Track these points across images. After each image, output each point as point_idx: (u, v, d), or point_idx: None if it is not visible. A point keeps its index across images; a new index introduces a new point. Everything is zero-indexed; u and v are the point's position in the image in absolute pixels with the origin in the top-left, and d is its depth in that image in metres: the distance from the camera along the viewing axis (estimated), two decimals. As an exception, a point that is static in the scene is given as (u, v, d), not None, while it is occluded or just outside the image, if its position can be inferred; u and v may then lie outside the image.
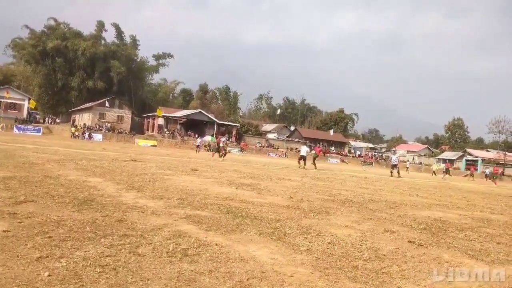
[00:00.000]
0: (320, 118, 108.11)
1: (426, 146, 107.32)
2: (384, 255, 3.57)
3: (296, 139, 77.21)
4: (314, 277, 2.77)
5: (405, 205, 7.78)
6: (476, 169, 57.84)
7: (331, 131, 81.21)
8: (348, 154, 77.24)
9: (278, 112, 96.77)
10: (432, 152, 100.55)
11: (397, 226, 5.21)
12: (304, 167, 21.66)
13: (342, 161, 66.66)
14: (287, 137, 78.48)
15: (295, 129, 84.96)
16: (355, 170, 34.43)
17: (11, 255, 2.60)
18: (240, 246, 3.38)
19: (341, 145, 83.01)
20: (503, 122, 71.32)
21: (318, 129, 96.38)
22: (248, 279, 2.58)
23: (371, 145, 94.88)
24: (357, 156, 77.66)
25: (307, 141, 76.67)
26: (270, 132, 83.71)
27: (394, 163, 25.43)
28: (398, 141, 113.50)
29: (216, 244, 3.34)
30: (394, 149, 26.11)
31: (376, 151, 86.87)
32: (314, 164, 22.95)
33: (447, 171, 34.60)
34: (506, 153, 72.23)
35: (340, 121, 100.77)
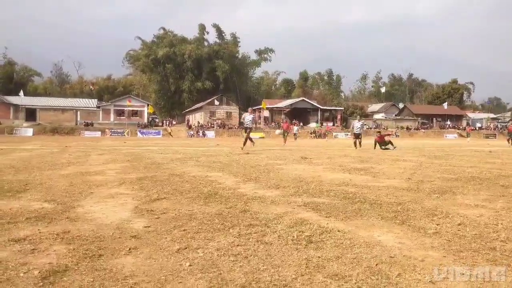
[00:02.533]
0: (431, 92, 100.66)
1: None
2: (526, 235, 3.25)
3: (407, 117, 73.11)
4: (448, 260, 2.64)
5: (544, 179, 6.93)
6: None
7: (445, 104, 75.01)
8: (466, 127, 70.90)
9: (383, 90, 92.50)
10: None
11: (537, 202, 4.68)
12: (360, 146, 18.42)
13: (461, 135, 61.45)
14: (396, 115, 74.66)
15: (404, 107, 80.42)
16: (477, 144, 31.50)
17: (155, 248, 2.91)
18: (363, 232, 3.35)
19: (458, 118, 76.49)
20: None
21: (429, 103, 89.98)
22: (377, 264, 2.55)
23: (492, 115, 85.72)
24: (477, 128, 70.82)
25: (419, 117, 72.11)
26: (377, 112, 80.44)
27: (357, 132, 19.24)
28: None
29: (339, 230, 3.35)
30: (357, 115, 20.23)
31: (499, 121, 78.16)
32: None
33: None
34: None
35: (454, 93, 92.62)
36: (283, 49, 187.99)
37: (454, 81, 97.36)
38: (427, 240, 3.11)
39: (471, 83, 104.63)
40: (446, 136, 59.59)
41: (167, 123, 62.61)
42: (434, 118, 75.13)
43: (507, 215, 3.97)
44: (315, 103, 65.37)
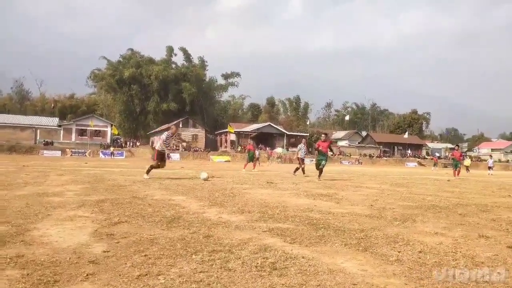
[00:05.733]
0: (392, 121, 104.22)
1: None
2: (482, 263, 3.35)
3: (369, 145, 75.04)
4: (409, 288, 2.67)
5: (497, 208, 7.23)
6: None
7: (406, 134, 77.74)
8: (426, 156, 73.48)
9: (347, 118, 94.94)
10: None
11: (492, 231, 4.85)
12: (303, 173, 16.59)
13: (420, 164, 63.56)
14: (359, 143, 76.52)
15: (367, 135, 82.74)
16: (436, 173, 32.68)
17: (114, 274, 2.79)
18: (327, 258, 3.35)
19: (417, 147, 79.23)
20: None
21: (391, 132, 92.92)
22: (340, 291, 2.55)
23: (450, 145, 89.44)
24: (434, 158, 73.46)
25: (381, 146, 74.22)
26: (341, 139, 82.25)
27: (301, 156, 17.54)
28: (480, 139, 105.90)
29: (303, 257, 3.34)
30: (303, 141, 19.20)
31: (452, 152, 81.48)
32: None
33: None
34: None
35: (414, 123, 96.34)
36: (250, 74, 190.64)
37: (414, 112, 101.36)
38: (389, 267, 3.15)
39: (428, 113, 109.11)
40: (407, 165, 61.44)
41: (131, 144, 61.51)
42: (396, 147, 77.52)
43: (465, 243, 4.09)
44: (281, 128, 66.18)
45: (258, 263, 3.12)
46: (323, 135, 16.32)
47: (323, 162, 14.50)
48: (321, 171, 14.40)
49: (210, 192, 8.41)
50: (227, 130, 58.81)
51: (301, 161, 17.36)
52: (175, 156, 51.82)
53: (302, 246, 3.76)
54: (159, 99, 72.94)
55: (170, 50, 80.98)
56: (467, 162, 36.89)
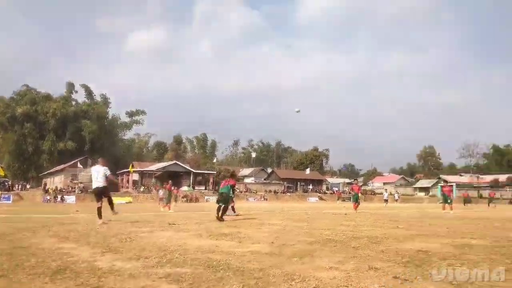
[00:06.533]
0: (296, 158, 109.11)
1: (402, 176, 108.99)
2: (371, 295, 3.51)
3: (274, 181, 77.13)
4: (302, 328, 2.67)
5: (387, 239, 7.76)
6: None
7: (307, 170, 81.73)
8: (326, 191, 77.50)
9: (253, 156, 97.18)
10: (408, 181, 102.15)
11: (381, 262, 5.16)
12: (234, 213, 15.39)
13: (321, 198, 66.72)
14: (264, 179, 78.34)
15: (272, 171, 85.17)
16: (335, 206, 34.48)
17: None
18: (223, 303, 3.25)
19: (318, 183, 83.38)
20: (472, 146, 73.70)
21: (295, 169, 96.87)
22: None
23: (347, 180, 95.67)
24: (335, 192, 77.87)
25: (285, 182, 76.76)
26: (247, 176, 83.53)
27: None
28: (374, 173, 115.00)
29: (198, 303, 3.20)
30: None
31: (352, 186, 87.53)
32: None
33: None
34: (479, 176, 74.08)
35: (315, 160, 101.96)
36: (156, 111, 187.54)
37: (315, 149, 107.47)
38: (284, 307, 3.14)
39: (327, 149, 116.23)
40: (308, 199, 64.02)
41: (19, 187, 55.99)
42: (298, 182, 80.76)
43: (356, 276, 4.27)
44: (187, 167, 65.31)
45: (148, 315, 2.91)
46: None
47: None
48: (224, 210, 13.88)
49: (104, 237, 7.85)
50: (129, 169, 56.36)
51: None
52: (70, 198, 48.13)
53: (198, 291, 3.62)
54: (56, 138, 68.08)
55: (70, 86, 76.84)
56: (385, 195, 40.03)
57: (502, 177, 75.52)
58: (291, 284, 3.89)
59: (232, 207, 16.15)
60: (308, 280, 4.06)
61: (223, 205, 13.22)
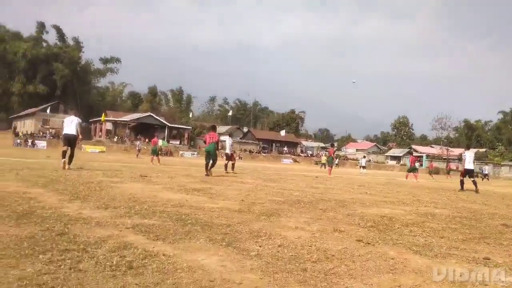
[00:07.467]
0: (272, 119, 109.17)
1: (375, 144, 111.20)
2: (333, 256, 3.62)
3: (250, 141, 77.42)
4: (263, 282, 2.75)
5: (354, 203, 7.97)
6: (421, 165, 60.58)
7: (283, 132, 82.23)
8: (300, 154, 78.53)
9: (230, 114, 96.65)
10: (380, 149, 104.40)
11: (345, 225, 5.31)
12: (231, 171, 16.87)
13: (295, 161, 67.63)
14: (240, 138, 78.48)
15: (248, 131, 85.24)
16: (308, 169, 35.10)
17: None
18: (189, 255, 3.30)
19: (293, 145, 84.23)
20: (445, 119, 75.28)
21: (271, 130, 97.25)
22: (195, 289, 2.52)
23: (322, 144, 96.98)
24: (309, 155, 78.96)
25: (261, 142, 77.17)
26: (223, 134, 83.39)
27: (229, 152, 17.73)
28: (348, 139, 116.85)
29: (164, 254, 3.24)
30: (228, 136, 19.09)
31: (327, 150, 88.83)
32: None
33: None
34: (449, 148, 76.27)
35: (291, 122, 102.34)
36: (133, 59, 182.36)
37: (292, 111, 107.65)
38: (248, 262, 3.22)
39: (303, 111, 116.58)
40: (283, 161, 64.88)
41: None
42: (274, 143, 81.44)
43: (321, 237, 4.39)
44: (163, 120, 64.52)
45: (113, 262, 2.94)
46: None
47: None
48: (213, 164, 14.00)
49: (74, 185, 7.77)
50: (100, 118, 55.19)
51: (228, 156, 17.19)
52: (41, 144, 47.20)
53: (165, 243, 3.66)
54: (26, 80, 65.60)
55: (41, 26, 73.23)
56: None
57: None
58: (257, 241, 3.97)
59: (233, 164, 16.59)
60: (274, 238, 4.15)
61: (212, 162, 13.80)
